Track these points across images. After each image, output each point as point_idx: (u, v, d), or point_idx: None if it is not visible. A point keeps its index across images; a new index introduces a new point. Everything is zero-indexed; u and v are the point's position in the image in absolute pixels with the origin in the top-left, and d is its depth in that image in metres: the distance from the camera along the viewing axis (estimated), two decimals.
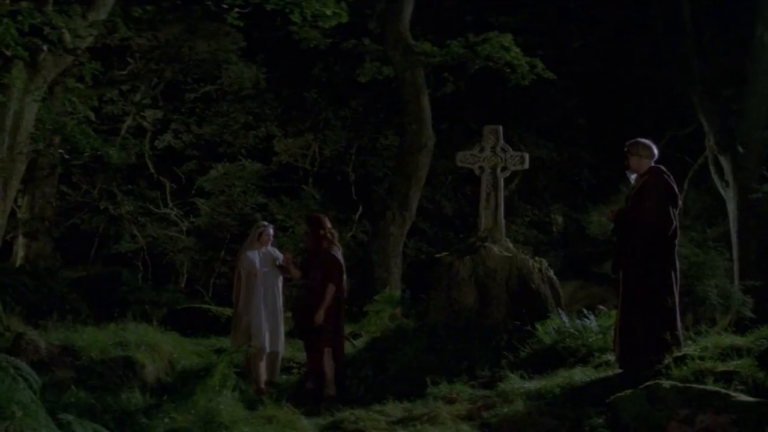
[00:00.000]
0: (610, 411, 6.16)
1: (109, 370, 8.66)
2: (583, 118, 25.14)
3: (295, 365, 10.32)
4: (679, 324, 7.90)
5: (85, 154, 14.25)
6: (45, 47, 10.24)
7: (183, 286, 25.51)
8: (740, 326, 11.28)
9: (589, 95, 24.29)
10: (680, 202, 8.31)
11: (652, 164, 8.23)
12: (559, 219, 27.62)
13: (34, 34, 10.13)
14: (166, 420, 6.84)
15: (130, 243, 25.65)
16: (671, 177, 8.16)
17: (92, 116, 13.88)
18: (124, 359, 8.96)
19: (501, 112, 23.22)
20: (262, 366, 9.54)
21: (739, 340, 7.51)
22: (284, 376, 9.93)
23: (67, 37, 10.44)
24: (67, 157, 15.41)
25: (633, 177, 8.33)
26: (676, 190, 8.17)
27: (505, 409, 7.15)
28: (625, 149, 8.32)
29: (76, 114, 18.58)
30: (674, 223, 7.98)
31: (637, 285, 7.89)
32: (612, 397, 6.22)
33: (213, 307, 12.56)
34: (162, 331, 10.65)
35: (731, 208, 19.95)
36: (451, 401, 7.72)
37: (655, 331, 7.70)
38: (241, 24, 14.13)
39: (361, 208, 25.05)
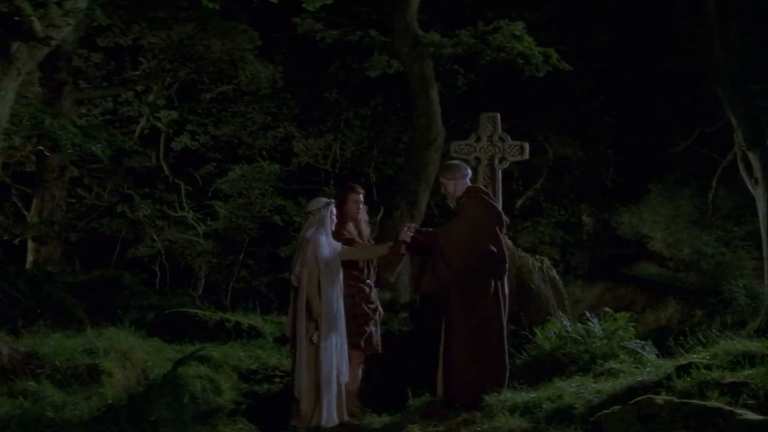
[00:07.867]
0: (595, 430, 5.37)
1: (73, 378, 8.04)
2: (609, 116, 24.53)
3: (279, 373, 9.58)
4: (506, 359, 7.56)
5: (69, 151, 13.62)
6: None
7: (201, 290, 25.10)
8: None
9: (614, 93, 23.78)
10: (506, 219, 7.81)
11: (468, 183, 7.87)
12: (589, 220, 27.04)
13: None
14: None
15: (147, 247, 25.31)
16: (489, 195, 7.88)
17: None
18: (89, 367, 8.30)
19: (525, 111, 22.70)
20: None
21: (753, 346, 6.60)
22: (266, 385, 9.20)
23: (37, 25, 9.85)
24: (47, 153, 14.81)
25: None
26: (497, 207, 7.82)
27: (485, 426, 6.36)
28: (437, 180, 8.13)
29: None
30: (497, 243, 7.54)
31: (458, 314, 7.52)
32: (597, 415, 5.43)
33: (200, 311, 11.91)
34: (142, 337, 10.00)
35: (761, 205, 19.38)
36: (428, 415, 6.97)
37: (479, 365, 7.37)
38: (217, 7, 13.53)
39: (382, 210, 24.43)
